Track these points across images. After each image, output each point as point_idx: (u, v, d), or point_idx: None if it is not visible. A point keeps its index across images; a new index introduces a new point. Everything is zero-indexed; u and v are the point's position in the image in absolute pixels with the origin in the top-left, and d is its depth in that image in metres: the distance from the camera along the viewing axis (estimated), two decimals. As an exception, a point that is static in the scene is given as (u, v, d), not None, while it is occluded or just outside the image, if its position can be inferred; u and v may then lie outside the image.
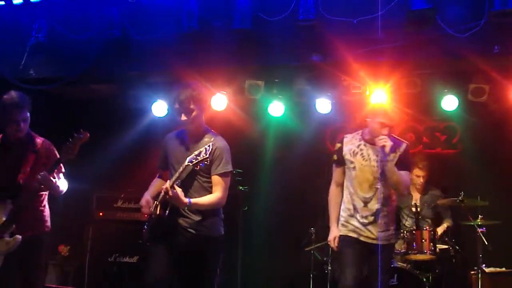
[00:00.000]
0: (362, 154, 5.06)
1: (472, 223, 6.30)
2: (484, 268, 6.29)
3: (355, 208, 5.03)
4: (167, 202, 4.50)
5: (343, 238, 5.10)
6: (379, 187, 4.93)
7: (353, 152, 5.11)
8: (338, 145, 5.21)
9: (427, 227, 6.41)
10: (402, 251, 6.43)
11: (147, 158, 6.90)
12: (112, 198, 7.53)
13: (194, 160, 4.40)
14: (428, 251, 6.27)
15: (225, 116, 7.44)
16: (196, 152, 4.42)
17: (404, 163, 5.02)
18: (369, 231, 4.96)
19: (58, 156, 4.98)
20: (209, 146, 4.45)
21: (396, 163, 4.93)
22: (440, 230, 6.78)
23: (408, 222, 6.87)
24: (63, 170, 5.08)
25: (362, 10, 6.03)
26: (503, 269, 6.66)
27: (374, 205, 4.95)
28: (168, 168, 4.87)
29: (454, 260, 6.63)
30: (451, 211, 7.01)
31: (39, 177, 4.80)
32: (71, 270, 7.78)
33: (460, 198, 6.34)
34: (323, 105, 7.27)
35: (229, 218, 6.89)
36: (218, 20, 6.40)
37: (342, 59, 6.09)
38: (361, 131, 5.22)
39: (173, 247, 4.58)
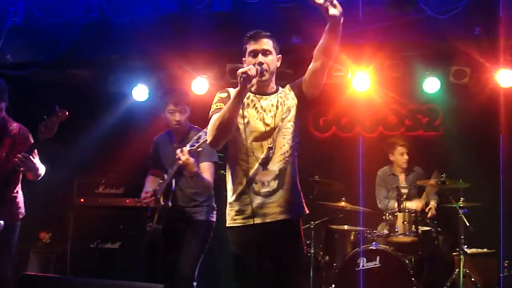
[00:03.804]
0: (254, 105, 3.98)
1: (454, 205, 6.32)
2: (466, 249, 6.32)
3: (251, 179, 3.85)
4: (168, 193, 5.03)
5: (237, 234, 3.88)
6: (280, 138, 3.92)
7: (244, 104, 3.94)
8: (224, 94, 3.98)
9: (410, 209, 6.44)
10: (384, 233, 6.44)
11: (128, 143, 6.87)
12: (93, 183, 7.43)
13: (195, 144, 4.57)
14: (411, 233, 6.29)
15: (206, 100, 7.32)
16: (195, 138, 4.60)
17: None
18: (275, 203, 3.84)
19: (33, 142, 4.90)
20: (204, 132, 4.48)
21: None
22: (431, 208, 6.83)
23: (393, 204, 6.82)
24: (36, 154, 4.97)
25: (343, -9, 5.98)
26: (485, 250, 6.73)
27: (275, 165, 3.87)
28: (158, 167, 5.37)
29: (436, 241, 6.64)
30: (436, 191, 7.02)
31: (20, 156, 4.67)
32: (53, 257, 7.70)
33: (442, 180, 6.35)
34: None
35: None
36: (198, 2, 6.34)
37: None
38: None
39: (171, 232, 5.12)
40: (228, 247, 3.92)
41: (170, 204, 5.03)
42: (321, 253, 6.63)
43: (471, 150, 7.37)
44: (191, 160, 4.64)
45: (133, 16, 6.58)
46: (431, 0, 5.96)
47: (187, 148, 4.62)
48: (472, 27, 6.02)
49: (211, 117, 3.88)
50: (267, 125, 3.94)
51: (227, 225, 3.94)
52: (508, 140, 7.27)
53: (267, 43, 3.99)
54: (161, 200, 5.07)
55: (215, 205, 5.30)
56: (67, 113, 4.74)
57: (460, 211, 6.29)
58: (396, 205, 6.45)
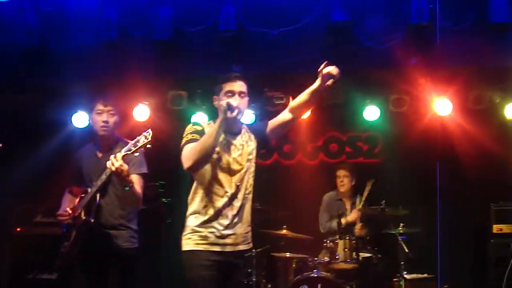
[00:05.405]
0: (227, 142, 4.14)
1: (394, 232, 6.41)
2: (405, 275, 6.40)
3: (219, 211, 4.05)
4: (90, 207, 4.48)
5: (200, 257, 4.03)
6: (246, 177, 4.14)
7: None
8: (199, 127, 4.14)
9: (350, 236, 6.49)
10: (326, 260, 6.47)
11: (67, 171, 6.72)
12: (31, 212, 7.27)
13: (132, 148, 4.11)
14: (352, 260, 6.33)
15: (147, 127, 7.31)
16: (132, 142, 4.14)
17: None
18: (233, 236, 4.08)
19: None
20: (147, 133, 4.11)
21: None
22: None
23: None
24: None
25: (283, 22, 6.08)
26: (425, 275, 6.80)
27: (239, 201, 4.10)
28: (80, 184, 4.80)
29: (377, 268, 6.70)
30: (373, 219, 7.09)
31: None
32: (-12, 288, 7.48)
33: (381, 207, 6.44)
34: (247, 115, 7.25)
35: (153, 231, 6.83)
36: (138, 29, 6.33)
37: (264, 70, 6.11)
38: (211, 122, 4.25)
39: (95, 256, 4.54)
40: (186, 271, 4.03)
41: (92, 220, 4.43)
42: (264, 280, 6.60)
43: (409, 177, 7.49)
44: (125, 167, 4.15)
45: (73, 42, 6.52)
46: (369, 31, 6.09)
47: (121, 153, 4.13)
48: (410, 57, 6.17)
49: (184, 146, 4.02)
50: (237, 163, 4.15)
51: (188, 248, 4.06)
52: (445, 167, 7.44)
53: (242, 86, 4.14)
54: (82, 214, 4.46)
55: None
56: (1, 145, 4.60)
57: (399, 237, 6.38)
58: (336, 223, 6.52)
